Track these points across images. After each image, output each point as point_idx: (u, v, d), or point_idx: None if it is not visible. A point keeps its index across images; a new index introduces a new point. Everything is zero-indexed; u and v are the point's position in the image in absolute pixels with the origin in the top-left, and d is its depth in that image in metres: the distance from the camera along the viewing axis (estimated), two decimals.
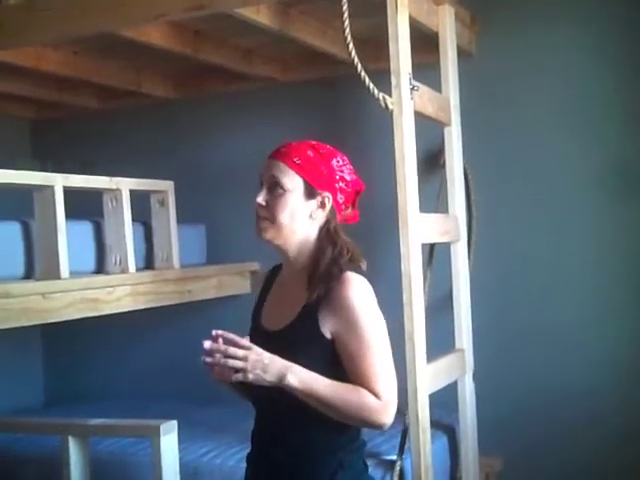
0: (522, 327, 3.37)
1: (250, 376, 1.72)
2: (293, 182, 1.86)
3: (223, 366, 1.73)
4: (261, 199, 1.88)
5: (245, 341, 1.76)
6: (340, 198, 1.91)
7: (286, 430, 1.86)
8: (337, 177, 1.90)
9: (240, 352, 1.72)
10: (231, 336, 1.75)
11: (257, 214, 1.90)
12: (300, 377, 1.74)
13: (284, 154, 1.88)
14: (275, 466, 1.88)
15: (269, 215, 1.87)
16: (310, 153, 1.88)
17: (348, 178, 1.91)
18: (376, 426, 1.82)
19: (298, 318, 1.84)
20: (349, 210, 1.97)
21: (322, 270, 1.84)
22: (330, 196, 1.89)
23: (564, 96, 3.31)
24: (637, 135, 3.22)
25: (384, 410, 1.78)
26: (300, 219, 1.88)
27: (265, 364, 1.73)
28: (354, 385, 1.77)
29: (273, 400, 1.82)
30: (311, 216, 1.89)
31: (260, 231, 1.90)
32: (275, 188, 1.87)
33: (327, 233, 1.89)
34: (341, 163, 1.91)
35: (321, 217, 1.90)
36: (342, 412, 1.77)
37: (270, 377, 1.73)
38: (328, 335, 1.81)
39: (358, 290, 1.82)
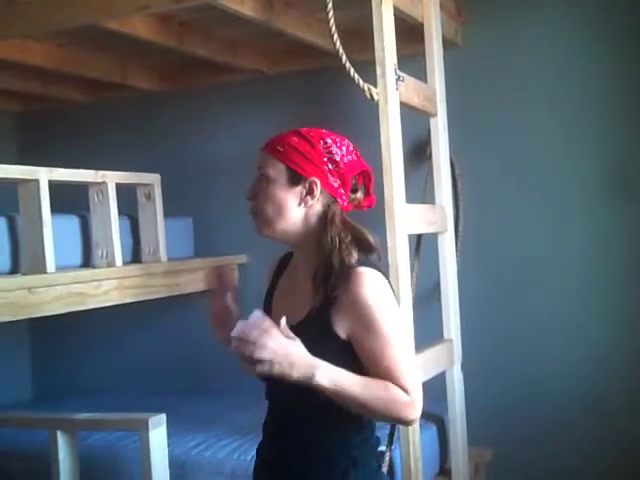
0: (511, 317, 3.38)
1: (276, 367, 1.61)
2: (276, 170, 1.78)
3: (250, 354, 1.61)
4: (249, 192, 1.82)
5: (277, 330, 1.62)
6: (334, 182, 1.79)
7: (299, 427, 1.80)
8: (325, 159, 1.78)
9: (262, 340, 1.59)
10: (261, 322, 1.61)
11: (249, 210, 1.84)
12: (329, 376, 1.65)
13: (269, 144, 1.82)
14: (287, 462, 1.83)
15: (257, 209, 1.81)
16: (295, 139, 1.79)
17: (338, 159, 1.79)
18: (405, 422, 1.77)
19: (308, 317, 1.77)
20: (358, 194, 1.87)
21: (327, 266, 1.75)
22: (317, 180, 1.77)
23: (551, 86, 3.31)
24: (628, 123, 3.23)
25: (414, 406, 1.71)
26: (289, 208, 1.79)
27: (292, 361, 1.62)
28: (384, 381, 1.70)
29: (288, 396, 1.74)
30: (300, 204, 1.79)
31: (256, 229, 1.83)
32: (261, 180, 1.81)
33: (324, 221, 1.79)
34: (329, 144, 1.79)
35: (315, 204, 1.79)
36: (373, 409, 1.70)
37: (297, 374, 1.62)
38: (343, 335, 1.73)
39: (371, 286, 1.72)
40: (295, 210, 1.79)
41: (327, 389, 1.65)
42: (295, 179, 1.78)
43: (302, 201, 1.79)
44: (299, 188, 1.79)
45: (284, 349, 1.62)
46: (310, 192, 1.78)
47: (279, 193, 1.79)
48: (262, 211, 1.80)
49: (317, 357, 1.67)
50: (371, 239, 1.80)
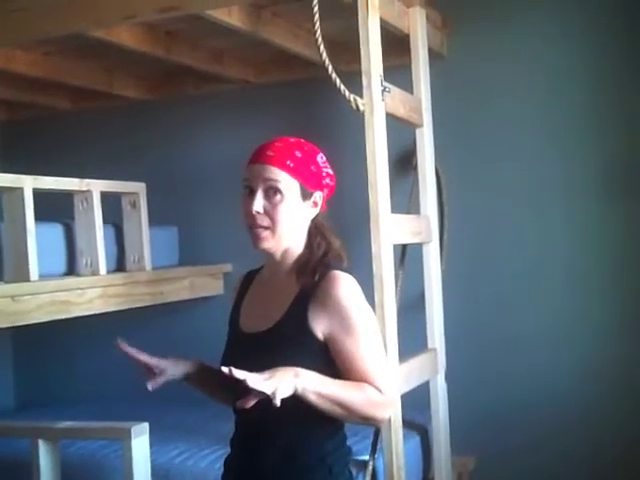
0: (495, 327, 3.39)
1: (281, 393, 1.60)
2: (290, 186, 1.81)
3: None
4: (258, 207, 1.81)
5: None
6: (326, 193, 1.90)
7: (272, 437, 1.80)
8: (324, 174, 1.87)
9: (262, 381, 1.59)
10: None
11: (253, 223, 1.82)
12: (309, 378, 1.68)
13: (275, 158, 1.81)
14: (261, 474, 1.83)
15: (270, 223, 1.81)
16: (298, 153, 1.83)
17: (332, 173, 1.90)
18: (378, 422, 1.82)
19: (286, 317, 1.80)
20: None
21: (312, 265, 1.81)
22: (321, 194, 1.87)
23: (536, 95, 3.33)
24: (615, 130, 3.24)
25: (387, 405, 1.78)
26: (298, 222, 1.85)
27: (280, 379, 1.62)
28: (360, 382, 1.74)
29: (259, 408, 1.69)
30: (307, 217, 1.86)
31: (260, 241, 1.83)
32: (272, 194, 1.81)
33: (316, 228, 1.88)
34: (325, 159, 1.89)
35: (312, 215, 1.88)
36: (351, 410, 1.72)
37: (290, 387, 1.63)
38: (319, 335, 1.77)
39: (347, 288, 1.78)
40: (302, 224, 1.87)
41: (311, 391, 1.67)
42: (306, 194, 1.85)
43: (307, 215, 1.87)
44: (308, 203, 1.86)
45: (268, 375, 1.62)
46: (314, 205, 1.87)
47: (295, 208, 1.84)
48: (277, 226, 1.82)
49: (292, 356, 1.72)
50: (343, 251, 1.89)
